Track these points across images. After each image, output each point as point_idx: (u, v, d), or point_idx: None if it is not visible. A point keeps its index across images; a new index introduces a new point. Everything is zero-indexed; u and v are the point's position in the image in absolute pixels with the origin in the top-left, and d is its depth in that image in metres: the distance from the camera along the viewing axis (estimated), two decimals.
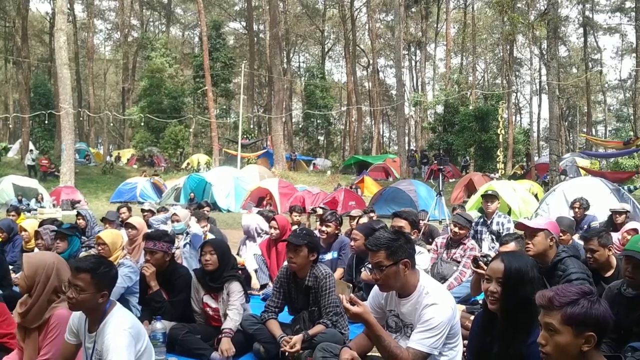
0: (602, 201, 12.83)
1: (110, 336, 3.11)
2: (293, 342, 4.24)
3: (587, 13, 49.08)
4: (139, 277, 5.15)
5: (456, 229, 6.76)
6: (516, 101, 57.13)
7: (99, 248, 5.47)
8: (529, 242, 4.39)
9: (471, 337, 3.28)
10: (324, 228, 6.87)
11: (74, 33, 49.23)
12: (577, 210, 9.87)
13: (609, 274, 4.99)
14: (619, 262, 4.99)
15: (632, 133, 34.69)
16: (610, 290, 3.98)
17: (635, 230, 6.37)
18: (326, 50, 61.03)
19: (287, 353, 4.25)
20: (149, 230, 6.28)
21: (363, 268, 6.09)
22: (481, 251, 7.32)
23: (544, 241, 4.32)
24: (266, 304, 4.75)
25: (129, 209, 9.91)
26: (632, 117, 40.19)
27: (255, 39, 54.62)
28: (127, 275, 5.28)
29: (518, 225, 4.69)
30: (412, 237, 6.05)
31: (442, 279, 6.51)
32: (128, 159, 43.38)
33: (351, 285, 3.77)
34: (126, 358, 3.06)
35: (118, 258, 5.42)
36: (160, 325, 4.21)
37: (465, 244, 6.79)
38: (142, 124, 39.69)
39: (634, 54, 35.78)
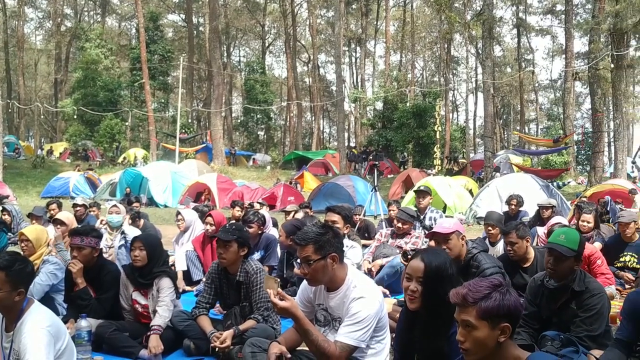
0: (532, 197, 13.30)
1: (28, 335, 3.00)
2: (223, 337, 4.20)
3: (520, 15, 50.59)
4: (65, 274, 4.98)
5: (399, 224, 6.89)
6: (453, 99, 58.46)
7: (22, 245, 5.27)
8: (445, 247, 4.37)
9: (397, 333, 3.33)
10: (246, 228, 6.83)
11: (3, 21, 47.26)
12: (512, 206, 10.19)
13: (527, 264, 5.18)
14: (537, 253, 5.19)
15: (561, 131, 36.06)
16: (534, 281, 4.11)
17: (559, 224, 6.62)
18: (267, 45, 60.71)
19: (217, 349, 4.21)
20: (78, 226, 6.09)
21: (294, 262, 6.11)
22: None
23: (458, 242, 4.41)
24: (197, 300, 4.69)
25: (59, 205, 9.59)
26: (561, 116, 41.71)
27: (195, 32, 53.74)
28: (52, 273, 5.11)
29: (429, 235, 4.75)
30: (346, 232, 6.13)
31: (385, 256, 6.67)
32: (61, 153, 41.98)
33: (279, 280, 3.78)
34: (44, 357, 2.96)
35: (43, 255, 5.24)
36: (86, 323, 4.08)
37: (411, 233, 6.95)
38: (76, 116, 38.46)
39: (564, 55, 37.12)
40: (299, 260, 3.35)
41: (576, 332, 3.63)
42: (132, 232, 7.71)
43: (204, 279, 6.75)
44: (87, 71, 41.86)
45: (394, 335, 3.47)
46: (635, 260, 6.85)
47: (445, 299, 2.82)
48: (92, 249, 4.82)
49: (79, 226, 5.54)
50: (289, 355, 3.37)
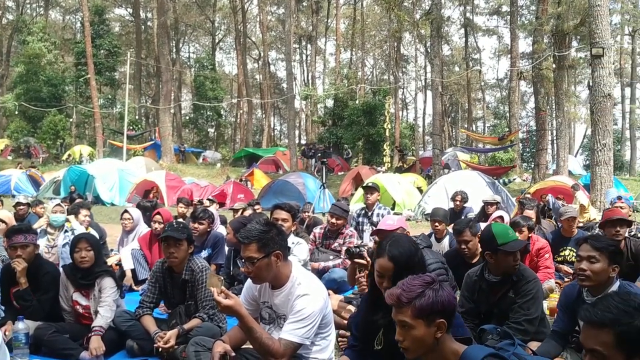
0: (478, 193, 13.57)
1: None
2: (167, 337, 4.13)
3: (468, 15, 51.58)
4: (1, 274, 4.81)
5: (333, 220, 6.90)
6: (403, 97, 59.05)
7: None
8: None
9: (359, 315, 3.40)
10: (196, 225, 6.76)
11: None
12: (457, 202, 10.39)
13: (475, 260, 5.29)
14: None
15: (507, 129, 36.93)
16: (469, 277, 4.20)
17: (501, 217, 6.79)
18: (217, 41, 60.09)
19: (160, 349, 4.14)
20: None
21: (238, 260, 6.08)
22: (362, 241, 7.51)
23: None
24: (141, 300, 4.61)
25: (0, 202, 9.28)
26: (507, 114, 42.70)
27: (143, 27, 52.72)
28: None
29: (374, 232, 4.79)
30: (294, 229, 6.13)
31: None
32: (2, 150, 40.56)
33: (222, 278, 3.76)
34: None
35: None
36: (23, 325, 3.96)
37: (343, 233, 6.94)
38: (18, 112, 37.26)
39: (509, 55, 38.02)
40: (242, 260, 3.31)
41: (514, 318, 3.81)
42: (78, 227, 7.53)
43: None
44: (30, 65, 40.55)
45: (338, 331, 3.49)
46: (574, 254, 7.07)
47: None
48: (34, 246, 4.70)
49: (15, 224, 5.35)
50: (233, 354, 3.35)
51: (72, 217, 7.80)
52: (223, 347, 3.30)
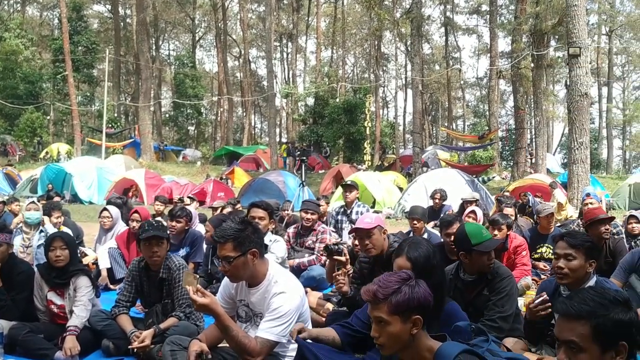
0: (458, 191, 13.67)
1: None
2: (142, 337, 4.09)
3: (448, 14, 51.78)
4: None
5: (308, 215, 6.92)
6: (383, 95, 59.27)
7: None
8: (367, 242, 4.36)
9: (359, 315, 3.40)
10: (174, 223, 6.71)
11: None
12: (437, 200, 10.46)
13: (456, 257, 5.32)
14: None
15: (487, 127, 37.24)
16: (446, 273, 4.22)
17: (473, 212, 6.86)
18: (197, 39, 59.74)
19: (135, 349, 4.10)
20: None
21: (214, 259, 6.06)
22: (340, 238, 7.52)
23: (380, 237, 4.44)
24: (117, 299, 4.55)
25: None
26: (487, 113, 43.04)
27: (122, 23, 52.23)
28: None
29: (352, 231, 4.78)
30: (272, 227, 6.11)
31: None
32: None
33: (198, 276, 3.76)
34: None
35: None
36: None
37: (316, 229, 6.96)
38: None
39: (489, 54, 38.31)
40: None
41: (489, 315, 3.82)
42: (52, 228, 7.42)
43: None
44: (6, 62, 39.96)
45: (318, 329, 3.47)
46: (551, 251, 7.15)
47: (436, 286, 2.83)
48: (7, 245, 4.63)
49: None
50: (209, 354, 3.32)
51: (45, 218, 7.70)
52: (199, 346, 3.28)
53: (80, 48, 42.64)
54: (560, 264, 3.52)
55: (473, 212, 6.95)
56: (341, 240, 7.34)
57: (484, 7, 48.60)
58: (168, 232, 4.85)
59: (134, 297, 4.57)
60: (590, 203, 8.51)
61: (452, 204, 11.17)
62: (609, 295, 1.99)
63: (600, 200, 13.60)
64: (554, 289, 3.67)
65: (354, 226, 5.03)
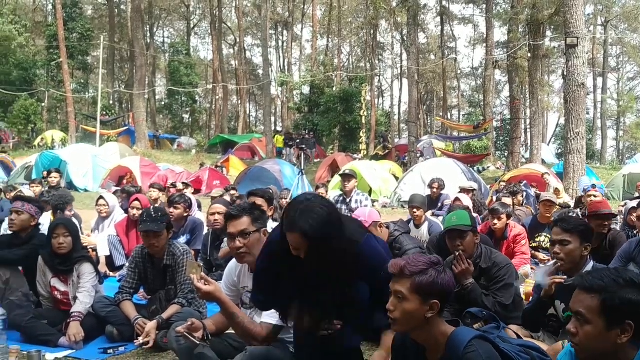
0: (454, 181, 13.70)
1: None
2: (147, 331, 4.10)
3: (444, 3, 51.64)
4: None
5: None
6: (379, 84, 59.13)
7: None
8: None
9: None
10: (172, 210, 6.71)
11: None
12: (434, 190, 10.49)
13: None
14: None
15: (482, 117, 37.25)
16: (447, 264, 4.26)
17: (458, 199, 6.91)
18: (192, 26, 59.39)
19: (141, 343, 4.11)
20: None
21: (223, 245, 6.06)
22: None
23: (377, 231, 4.50)
24: (120, 285, 4.59)
25: None
26: (482, 103, 43.05)
27: (116, 10, 51.84)
28: None
29: None
30: (271, 214, 6.13)
31: None
32: None
33: (202, 264, 3.79)
34: None
35: None
36: (0, 311, 3.91)
37: None
38: None
39: (485, 44, 38.26)
40: (227, 238, 3.31)
41: (487, 303, 3.86)
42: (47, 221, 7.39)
43: (127, 264, 6.63)
44: (0, 48, 39.69)
45: None
46: (549, 240, 7.20)
47: (334, 246, 2.67)
48: (30, 216, 4.88)
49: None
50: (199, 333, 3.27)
51: (47, 214, 7.65)
52: (184, 327, 3.22)
53: (74, 35, 42.34)
54: (556, 250, 3.57)
55: (458, 199, 7.02)
56: None
57: None
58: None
59: (138, 283, 4.59)
60: (594, 195, 8.54)
61: (449, 193, 11.20)
62: (625, 276, 2.07)
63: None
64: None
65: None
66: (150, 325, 4.14)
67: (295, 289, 2.91)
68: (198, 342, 3.20)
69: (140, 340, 4.08)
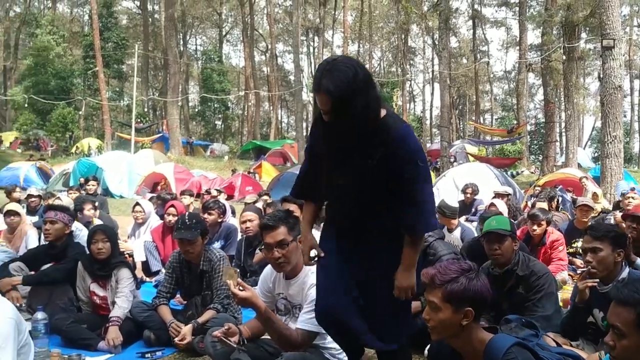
0: (487, 186, 13.53)
1: None
2: (182, 334, 4.16)
3: (476, 6, 51.26)
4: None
5: None
6: (410, 89, 58.88)
7: None
8: None
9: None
10: (206, 216, 6.77)
11: None
12: (468, 195, 10.40)
13: None
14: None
15: (515, 121, 36.82)
16: (483, 270, 4.20)
17: (493, 204, 6.81)
18: (224, 33, 60.03)
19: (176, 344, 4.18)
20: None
21: (256, 251, 6.09)
22: None
23: None
24: (158, 290, 4.64)
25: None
26: (515, 106, 42.54)
27: (150, 19, 52.74)
28: (3, 262, 5.03)
29: None
30: None
31: None
32: (11, 143, 40.76)
33: (238, 270, 3.83)
34: (12, 349, 2.89)
35: None
36: (42, 315, 4.00)
37: None
38: (27, 105, 37.44)
39: (518, 47, 37.82)
40: (263, 247, 3.33)
41: (531, 315, 3.76)
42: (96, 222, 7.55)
43: (162, 270, 6.71)
44: (38, 58, 40.67)
45: None
46: (582, 248, 7.05)
47: (357, 105, 2.49)
48: (64, 225, 4.95)
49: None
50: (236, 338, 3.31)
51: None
52: (221, 331, 3.25)
53: (110, 44, 43.20)
54: (588, 258, 3.49)
55: (493, 204, 6.93)
56: None
57: (513, 0, 47.98)
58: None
59: (174, 288, 4.65)
60: (632, 198, 8.35)
61: (483, 198, 11.08)
62: None
63: None
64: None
65: None
66: (186, 328, 4.19)
67: (327, 154, 2.78)
68: (235, 346, 3.23)
69: (177, 340, 4.15)
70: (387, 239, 2.76)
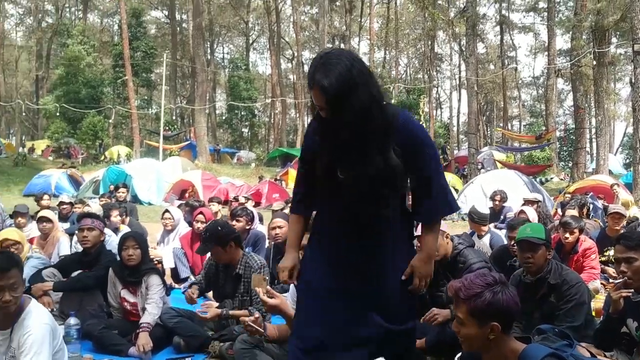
0: (516, 193, 13.40)
1: (33, 331, 2.97)
2: (209, 306, 4.38)
3: (503, 12, 50.87)
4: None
5: None
6: (437, 96, 58.64)
7: (13, 248, 5.20)
8: None
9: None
10: (234, 223, 6.79)
11: None
12: (497, 202, 10.31)
13: None
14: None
15: (544, 128, 36.37)
16: (515, 278, 4.15)
17: (522, 212, 6.72)
18: (250, 41, 60.50)
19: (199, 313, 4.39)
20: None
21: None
22: None
23: (442, 241, 4.37)
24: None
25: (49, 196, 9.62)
26: (544, 112, 42.05)
27: (178, 28, 53.42)
28: (35, 268, 5.13)
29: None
30: None
31: None
32: (43, 151, 41.52)
33: (267, 277, 3.84)
34: (47, 354, 2.94)
35: (26, 252, 5.27)
36: (74, 321, 4.07)
37: None
38: (58, 114, 38.10)
39: (546, 53, 37.42)
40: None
41: (558, 325, 3.69)
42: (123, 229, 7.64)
43: (191, 277, 6.79)
44: (69, 68, 41.45)
45: None
46: (614, 258, 6.92)
47: (353, 101, 2.39)
48: (100, 232, 5.12)
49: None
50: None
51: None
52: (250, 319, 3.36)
53: (139, 53, 43.80)
54: (622, 269, 3.40)
55: (523, 211, 6.86)
56: None
57: (542, 5, 47.54)
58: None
59: (206, 286, 4.80)
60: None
61: (512, 205, 10.97)
62: None
63: None
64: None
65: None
66: (214, 307, 4.40)
67: (327, 151, 2.64)
68: (262, 331, 3.26)
69: (204, 308, 4.41)
70: (391, 230, 2.68)
